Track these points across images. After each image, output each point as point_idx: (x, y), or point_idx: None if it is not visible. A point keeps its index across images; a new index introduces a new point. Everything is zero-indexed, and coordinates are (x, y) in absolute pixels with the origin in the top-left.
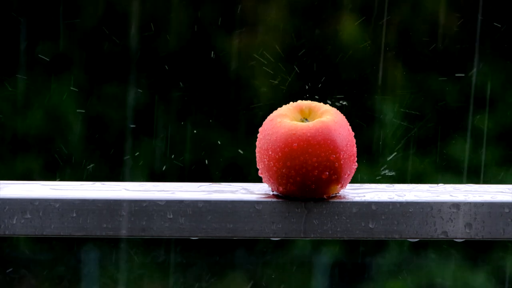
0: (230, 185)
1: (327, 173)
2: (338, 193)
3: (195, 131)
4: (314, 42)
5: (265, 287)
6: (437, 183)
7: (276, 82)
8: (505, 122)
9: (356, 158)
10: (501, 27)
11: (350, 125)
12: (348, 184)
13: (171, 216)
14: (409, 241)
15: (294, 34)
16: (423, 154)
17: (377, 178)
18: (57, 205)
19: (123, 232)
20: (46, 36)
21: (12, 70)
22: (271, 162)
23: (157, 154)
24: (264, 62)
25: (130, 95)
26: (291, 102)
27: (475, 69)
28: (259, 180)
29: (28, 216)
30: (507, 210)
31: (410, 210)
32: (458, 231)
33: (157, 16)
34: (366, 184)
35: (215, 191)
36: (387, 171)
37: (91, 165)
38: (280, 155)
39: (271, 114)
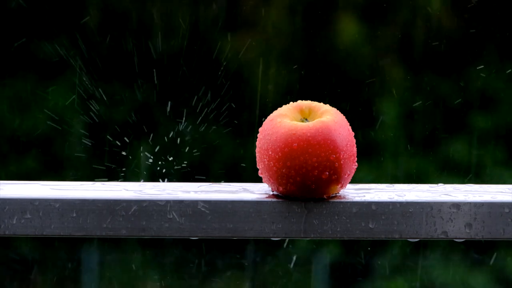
0: (230, 185)
1: (327, 173)
2: (338, 193)
3: (195, 131)
4: (314, 42)
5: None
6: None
7: (276, 82)
8: (505, 122)
9: (356, 158)
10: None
11: (350, 125)
12: (348, 184)
13: (171, 216)
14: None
15: (294, 34)
16: (423, 154)
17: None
18: (57, 205)
19: (123, 232)
20: (46, 36)
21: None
22: (271, 162)
23: (157, 154)
24: (264, 62)
25: (130, 95)
26: (291, 102)
27: (475, 69)
28: (259, 180)
29: (28, 216)
30: (507, 210)
31: (410, 210)
32: (458, 231)
33: (157, 16)
34: (366, 184)
35: (215, 191)
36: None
37: (91, 165)
38: (280, 155)
39: (271, 114)
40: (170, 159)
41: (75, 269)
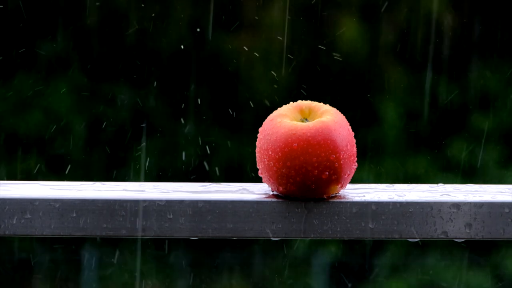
0: (230, 185)
1: (327, 173)
2: (338, 193)
3: (195, 131)
4: (315, 42)
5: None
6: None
7: (276, 82)
8: (505, 122)
9: (356, 158)
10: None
11: (350, 125)
12: (348, 184)
13: (171, 216)
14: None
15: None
16: (423, 154)
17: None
18: (57, 205)
19: (123, 232)
20: (46, 36)
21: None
22: (271, 162)
23: (157, 154)
24: (264, 62)
25: (130, 95)
26: (291, 102)
27: (475, 69)
28: (259, 180)
29: (28, 216)
30: (507, 210)
31: (410, 210)
32: (458, 231)
33: (157, 16)
34: (366, 184)
35: (215, 191)
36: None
37: (91, 165)
38: (280, 155)
39: (271, 114)
40: (170, 159)
41: (75, 269)
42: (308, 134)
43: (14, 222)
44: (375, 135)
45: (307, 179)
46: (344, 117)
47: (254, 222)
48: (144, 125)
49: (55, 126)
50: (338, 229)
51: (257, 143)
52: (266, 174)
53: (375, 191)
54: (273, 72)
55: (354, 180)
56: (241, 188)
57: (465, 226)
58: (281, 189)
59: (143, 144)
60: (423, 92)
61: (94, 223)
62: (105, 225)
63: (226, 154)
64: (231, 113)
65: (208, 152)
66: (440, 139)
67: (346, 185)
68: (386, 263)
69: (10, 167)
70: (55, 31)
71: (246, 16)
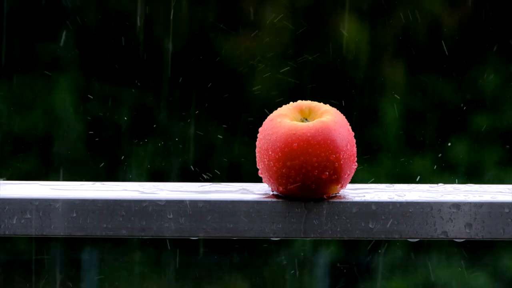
0: (230, 185)
1: (327, 173)
2: (338, 193)
3: (195, 131)
4: (315, 42)
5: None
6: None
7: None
8: (505, 122)
9: (356, 158)
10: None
11: (350, 125)
12: (348, 184)
13: (171, 216)
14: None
15: (295, 34)
16: (423, 154)
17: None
18: (57, 205)
19: (123, 232)
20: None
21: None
22: (271, 162)
23: (157, 154)
24: (264, 62)
25: (130, 95)
26: (291, 102)
27: (475, 69)
28: (259, 180)
29: (28, 216)
30: (507, 210)
31: (410, 210)
32: (458, 231)
33: (157, 16)
34: (366, 184)
35: (215, 191)
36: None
37: (91, 165)
38: (280, 155)
39: (271, 114)
40: (170, 159)
41: (75, 269)
42: (308, 134)
43: (14, 222)
44: (375, 135)
45: (307, 179)
46: (344, 117)
47: (254, 222)
48: (144, 124)
49: (55, 126)
50: (338, 229)
51: (257, 143)
52: (266, 174)
53: (375, 191)
54: (273, 72)
55: (354, 180)
56: (241, 188)
57: (465, 226)
58: (281, 189)
59: (143, 143)
60: (423, 92)
61: (94, 223)
62: (105, 225)
63: (226, 154)
64: (231, 112)
65: (208, 152)
66: (440, 139)
67: (346, 185)
68: (386, 263)
69: (10, 167)
70: (55, 31)
71: (247, 16)
